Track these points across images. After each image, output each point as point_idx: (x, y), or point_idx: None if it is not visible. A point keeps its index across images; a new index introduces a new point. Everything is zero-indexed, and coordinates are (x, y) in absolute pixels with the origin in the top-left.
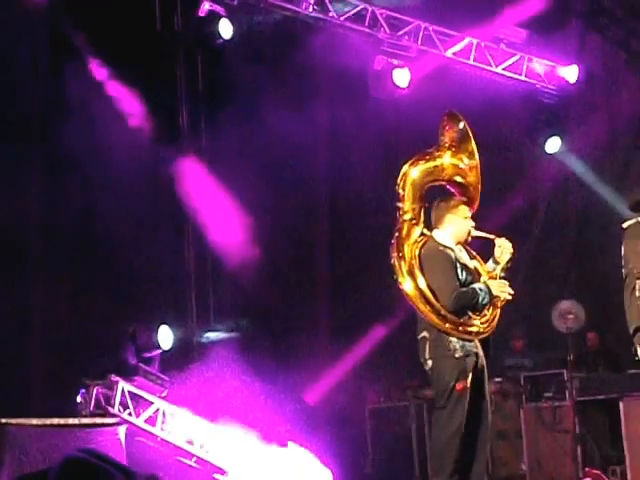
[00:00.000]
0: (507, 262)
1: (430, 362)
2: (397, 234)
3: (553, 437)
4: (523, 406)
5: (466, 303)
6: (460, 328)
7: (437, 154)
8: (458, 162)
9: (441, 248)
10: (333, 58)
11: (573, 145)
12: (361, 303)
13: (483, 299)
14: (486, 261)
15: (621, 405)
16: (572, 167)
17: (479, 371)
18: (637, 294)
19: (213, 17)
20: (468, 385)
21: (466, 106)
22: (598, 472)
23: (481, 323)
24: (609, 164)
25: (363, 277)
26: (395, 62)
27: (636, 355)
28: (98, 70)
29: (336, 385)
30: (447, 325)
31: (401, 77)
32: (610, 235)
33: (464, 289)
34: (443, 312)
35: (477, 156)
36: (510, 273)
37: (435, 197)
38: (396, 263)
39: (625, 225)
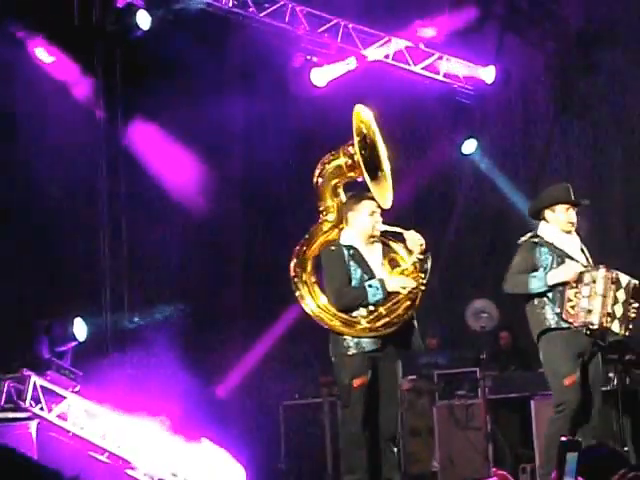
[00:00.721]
0: (422, 254)
1: (333, 358)
2: (309, 233)
3: (465, 435)
4: (436, 404)
5: (351, 301)
6: (350, 325)
7: (340, 151)
8: (348, 160)
9: (333, 247)
10: (255, 51)
11: (489, 146)
12: (275, 296)
13: (374, 296)
14: None
15: (532, 404)
16: (486, 168)
17: (381, 368)
18: (535, 303)
19: (131, 9)
20: (366, 382)
21: (385, 105)
22: (504, 472)
23: (369, 321)
24: (524, 165)
25: (276, 268)
26: (314, 59)
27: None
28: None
29: (250, 380)
30: (335, 323)
31: (319, 76)
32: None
33: (351, 287)
34: (332, 311)
35: (360, 157)
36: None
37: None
38: (295, 283)
39: (519, 241)
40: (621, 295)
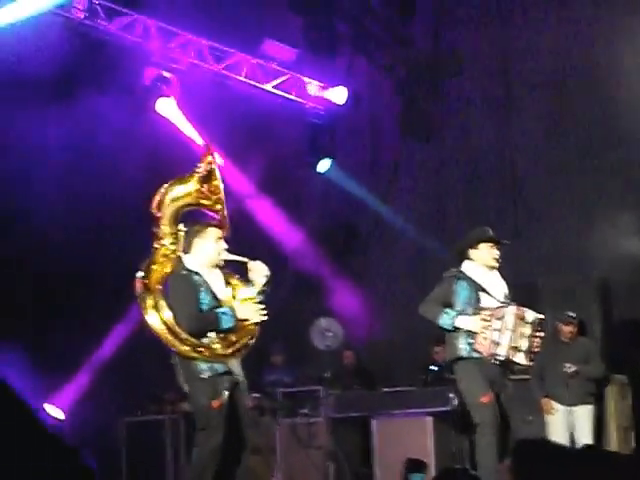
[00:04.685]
0: (264, 285)
1: (185, 386)
2: (148, 260)
3: (306, 453)
4: (279, 422)
5: (204, 326)
6: (201, 351)
7: (188, 178)
8: (202, 187)
9: (184, 272)
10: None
11: (339, 166)
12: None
13: (227, 323)
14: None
15: (373, 423)
16: (340, 184)
17: (234, 389)
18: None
19: None
20: (224, 402)
21: (236, 122)
22: None
23: (222, 347)
24: (372, 186)
25: (115, 284)
26: (166, 74)
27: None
28: None
29: (90, 397)
30: (185, 348)
31: (163, 106)
32: (374, 251)
33: (203, 312)
34: (183, 336)
35: (220, 184)
36: (271, 291)
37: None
38: (142, 297)
39: (444, 274)
40: (527, 330)
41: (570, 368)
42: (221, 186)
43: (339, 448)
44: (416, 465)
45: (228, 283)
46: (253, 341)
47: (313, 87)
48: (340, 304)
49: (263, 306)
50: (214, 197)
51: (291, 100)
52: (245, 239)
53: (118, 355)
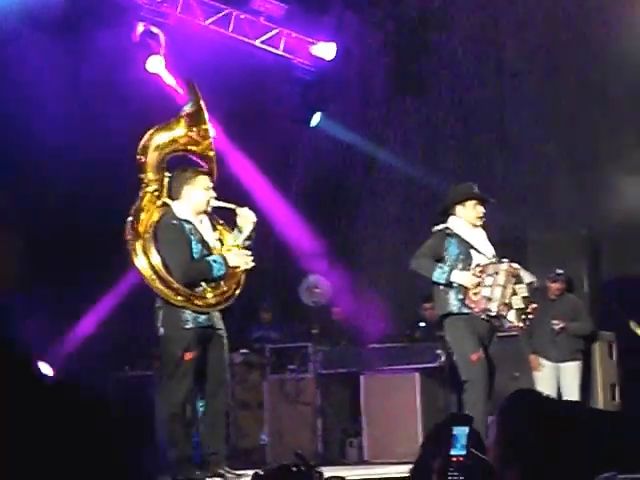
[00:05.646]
0: (251, 231)
1: (162, 330)
2: (136, 206)
3: (295, 409)
4: (267, 378)
5: (197, 275)
6: (194, 300)
7: (174, 123)
8: (191, 132)
9: (174, 221)
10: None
11: (332, 118)
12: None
13: (218, 270)
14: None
15: (361, 379)
16: (330, 138)
17: (213, 343)
18: (441, 287)
19: None
20: (196, 356)
21: (224, 78)
22: None
23: (215, 295)
24: (362, 141)
25: (100, 244)
26: (154, 30)
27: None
28: None
29: (77, 352)
30: (179, 298)
31: (153, 64)
32: (364, 205)
33: (195, 261)
34: (175, 285)
35: (209, 128)
36: (259, 244)
37: (176, 168)
38: (131, 242)
39: (433, 229)
40: (522, 290)
41: (557, 325)
42: (211, 130)
43: (327, 404)
44: (460, 418)
45: (215, 229)
46: (239, 291)
47: (302, 42)
48: (328, 263)
49: (250, 253)
50: (205, 142)
51: (280, 56)
52: (230, 200)
53: (108, 313)
